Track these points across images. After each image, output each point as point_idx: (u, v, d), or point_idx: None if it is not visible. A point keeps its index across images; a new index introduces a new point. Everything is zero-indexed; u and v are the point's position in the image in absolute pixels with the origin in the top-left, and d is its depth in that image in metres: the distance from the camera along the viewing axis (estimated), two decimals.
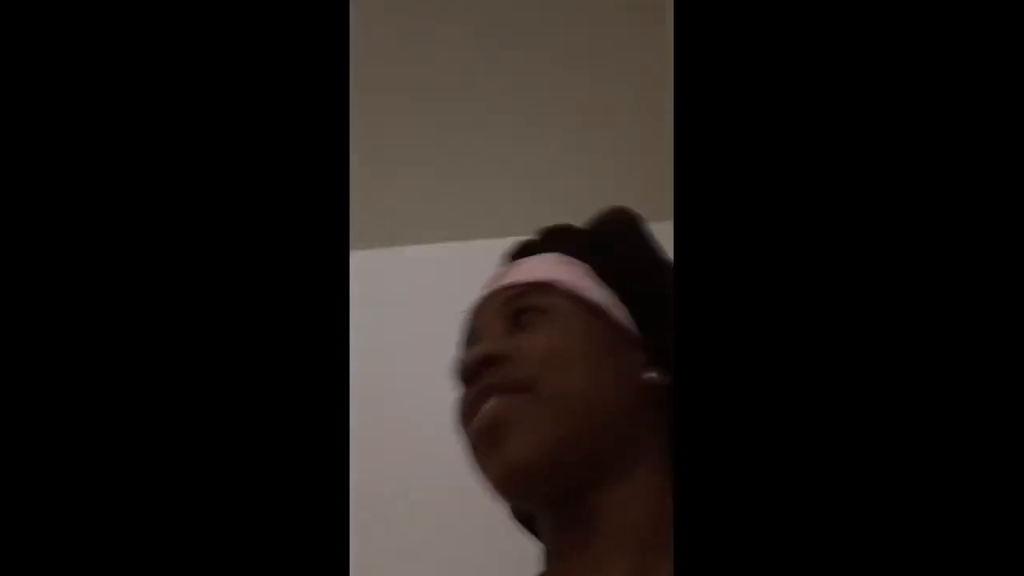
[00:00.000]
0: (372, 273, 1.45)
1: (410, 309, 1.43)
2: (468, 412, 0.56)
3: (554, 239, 0.66)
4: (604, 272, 0.61)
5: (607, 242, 0.63)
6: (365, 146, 1.31)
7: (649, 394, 0.56)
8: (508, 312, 0.59)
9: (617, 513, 0.53)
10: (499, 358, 0.55)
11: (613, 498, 0.53)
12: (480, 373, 0.55)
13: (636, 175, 1.25)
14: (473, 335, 0.62)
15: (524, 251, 0.68)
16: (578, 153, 1.34)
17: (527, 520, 0.62)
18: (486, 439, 0.53)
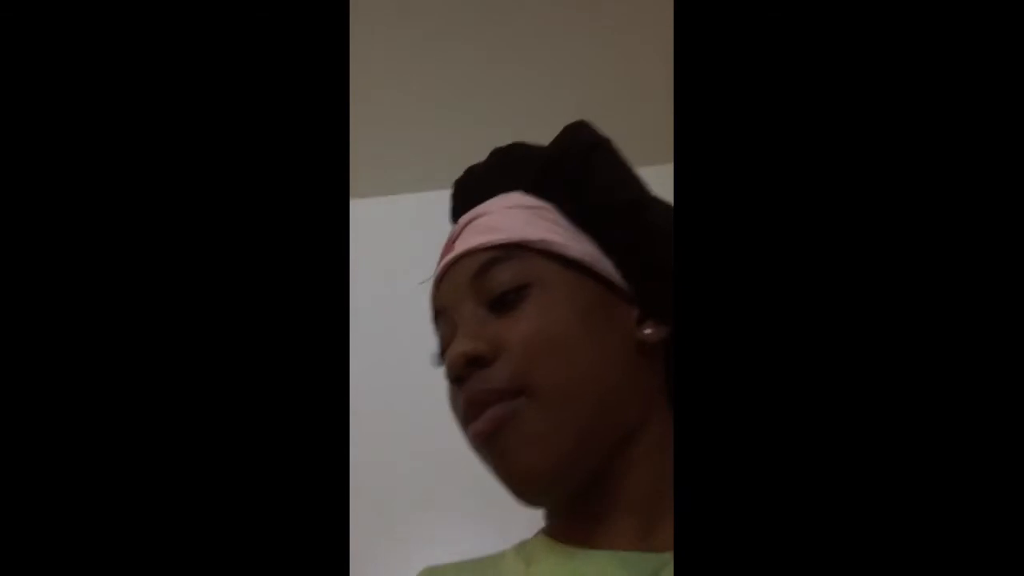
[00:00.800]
0: (371, 222, 1.44)
1: (409, 257, 1.42)
2: (465, 416, 0.51)
3: (510, 168, 0.57)
4: (579, 211, 0.54)
5: (575, 173, 0.54)
6: (364, 94, 1.29)
7: (649, 352, 0.52)
8: (480, 289, 0.52)
9: (622, 473, 0.50)
10: (484, 358, 0.49)
11: (624, 464, 0.50)
12: (467, 375, 0.50)
13: (635, 118, 1.24)
14: (444, 317, 0.54)
15: (473, 183, 0.59)
16: (577, 99, 1.33)
17: None
18: (489, 449, 0.50)
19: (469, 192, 0.59)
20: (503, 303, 0.51)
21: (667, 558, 0.46)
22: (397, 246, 1.50)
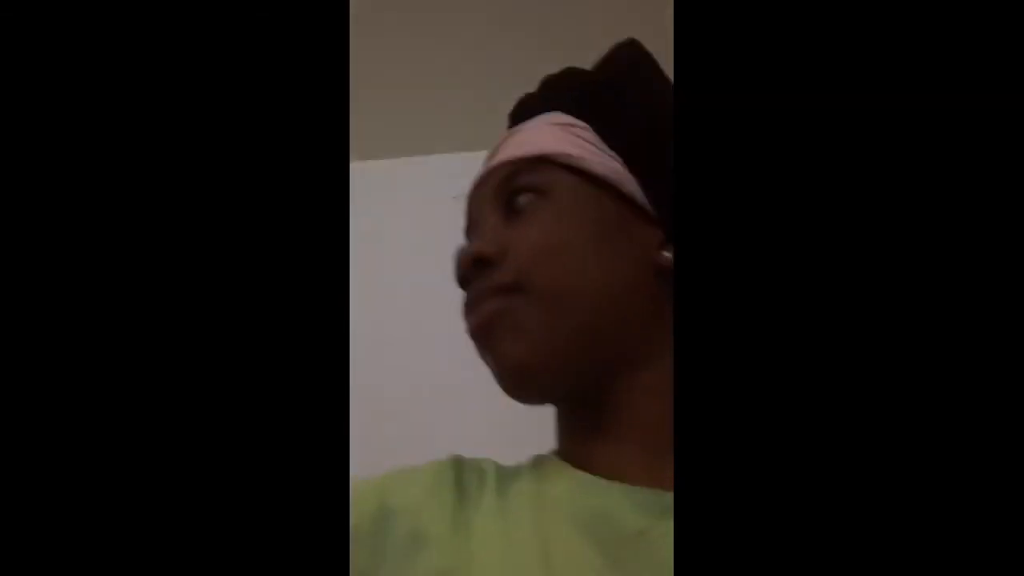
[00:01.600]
0: (371, 184, 1.44)
1: (410, 220, 1.42)
2: (466, 315, 0.53)
3: (554, 92, 0.58)
4: (611, 132, 0.54)
5: (613, 93, 0.55)
6: (365, 57, 1.28)
7: (665, 274, 0.51)
8: (503, 197, 0.53)
9: (637, 402, 0.50)
10: (490, 258, 0.51)
11: (633, 387, 0.50)
12: (472, 276, 0.51)
13: None
14: (470, 224, 0.57)
15: (523, 110, 0.60)
16: (582, 60, 1.31)
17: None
18: (480, 343, 0.51)
19: (519, 117, 0.60)
20: (517, 211, 0.52)
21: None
22: (397, 209, 1.50)
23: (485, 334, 0.50)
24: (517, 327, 0.49)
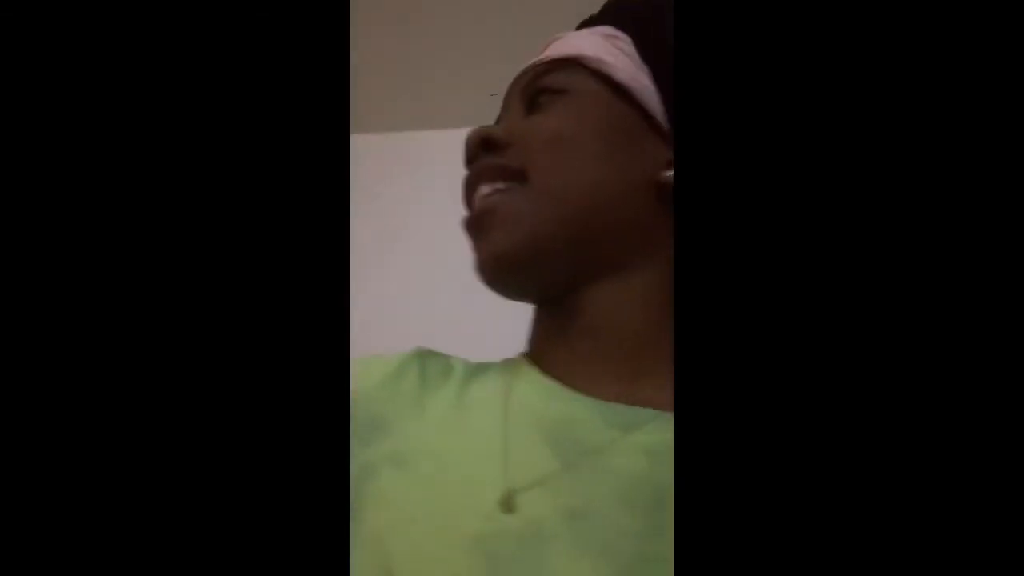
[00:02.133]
0: (372, 157, 1.44)
1: (408, 195, 1.42)
2: (466, 196, 0.53)
3: (612, 9, 0.58)
4: (650, 48, 0.54)
5: (653, 9, 0.55)
6: (367, 31, 1.27)
7: (665, 194, 0.51)
8: (529, 93, 0.54)
9: (610, 312, 0.50)
10: (498, 142, 0.51)
11: (606, 296, 0.50)
12: (478, 156, 0.52)
13: None
14: (499, 120, 0.57)
15: (582, 27, 0.60)
16: None
17: None
18: (474, 228, 0.51)
19: (592, 20, 0.60)
20: (539, 105, 0.53)
21: (649, 414, 0.46)
22: (398, 183, 1.49)
23: (480, 221, 0.50)
24: (510, 217, 0.49)
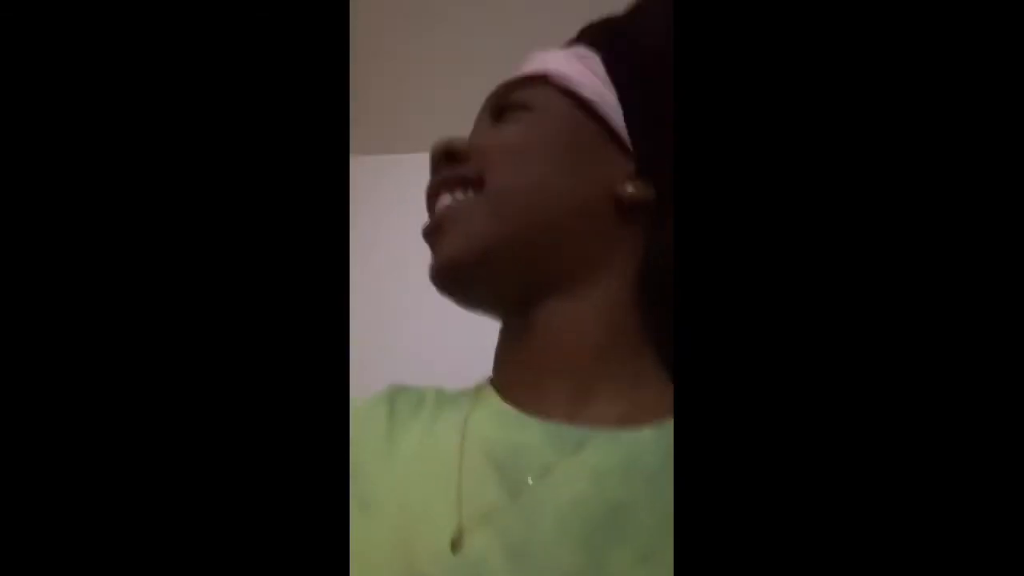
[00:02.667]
0: (371, 179, 1.44)
1: (408, 216, 1.42)
2: (428, 206, 0.54)
3: (587, 31, 0.60)
4: (617, 66, 0.54)
5: (624, 29, 0.56)
6: (366, 52, 1.28)
7: (624, 208, 0.51)
8: (497, 107, 0.55)
9: (563, 329, 0.49)
10: (458, 153, 0.52)
11: (559, 312, 0.49)
12: (440, 167, 0.53)
13: None
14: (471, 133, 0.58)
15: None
16: None
17: None
18: (431, 235, 0.52)
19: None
20: (501, 118, 0.54)
21: (593, 434, 0.45)
22: (397, 204, 1.50)
23: (436, 228, 0.51)
24: (463, 223, 0.49)
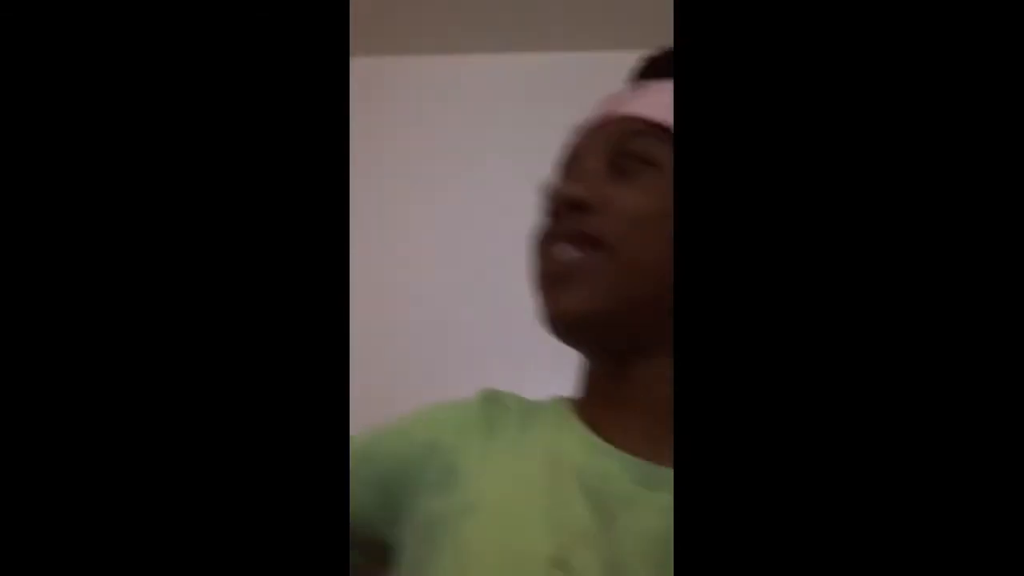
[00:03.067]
0: (373, 81, 1.41)
1: (408, 120, 1.40)
2: (542, 248, 0.55)
3: (660, 63, 0.60)
4: None
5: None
6: None
7: None
8: (614, 153, 0.55)
9: (651, 383, 0.54)
10: (587, 206, 0.53)
11: (651, 368, 0.54)
12: (564, 214, 0.54)
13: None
14: (572, 164, 0.58)
15: (653, 70, 0.61)
16: None
17: None
18: (549, 282, 0.54)
19: (645, 76, 0.62)
20: (625, 171, 0.54)
21: (668, 473, 0.49)
22: (398, 107, 1.47)
23: (558, 278, 0.53)
24: (589, 281, 0.52)
